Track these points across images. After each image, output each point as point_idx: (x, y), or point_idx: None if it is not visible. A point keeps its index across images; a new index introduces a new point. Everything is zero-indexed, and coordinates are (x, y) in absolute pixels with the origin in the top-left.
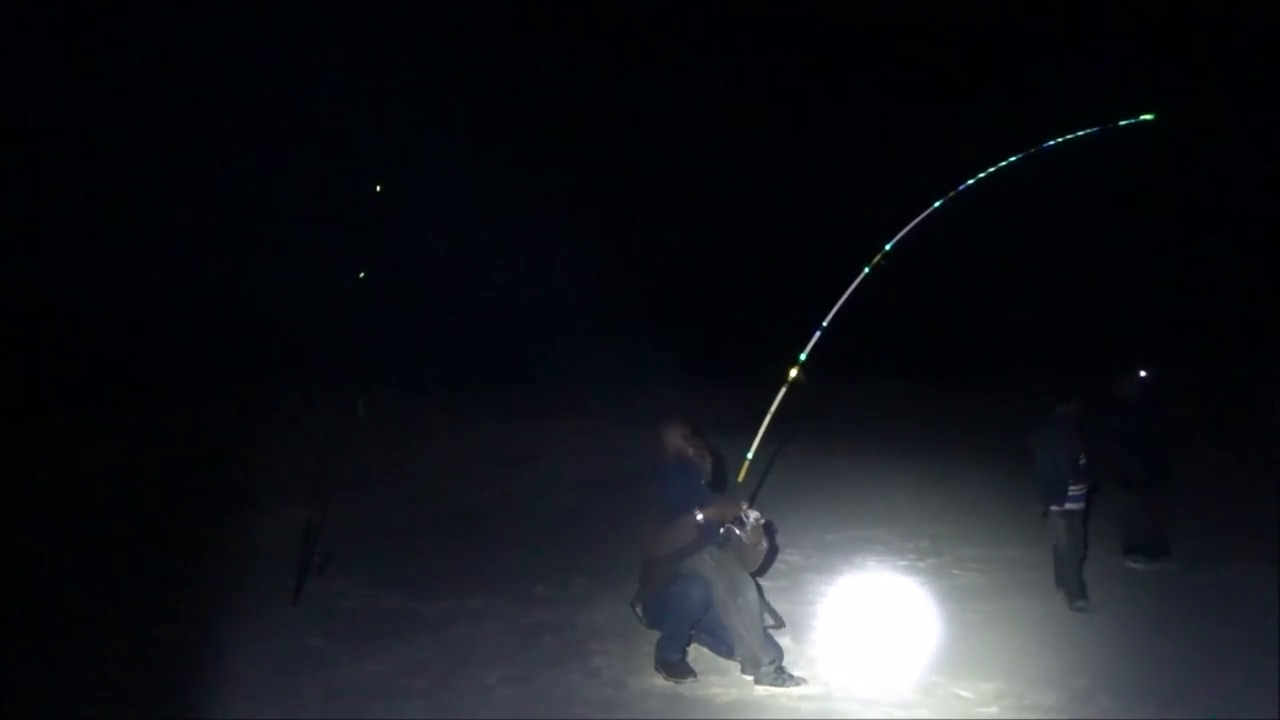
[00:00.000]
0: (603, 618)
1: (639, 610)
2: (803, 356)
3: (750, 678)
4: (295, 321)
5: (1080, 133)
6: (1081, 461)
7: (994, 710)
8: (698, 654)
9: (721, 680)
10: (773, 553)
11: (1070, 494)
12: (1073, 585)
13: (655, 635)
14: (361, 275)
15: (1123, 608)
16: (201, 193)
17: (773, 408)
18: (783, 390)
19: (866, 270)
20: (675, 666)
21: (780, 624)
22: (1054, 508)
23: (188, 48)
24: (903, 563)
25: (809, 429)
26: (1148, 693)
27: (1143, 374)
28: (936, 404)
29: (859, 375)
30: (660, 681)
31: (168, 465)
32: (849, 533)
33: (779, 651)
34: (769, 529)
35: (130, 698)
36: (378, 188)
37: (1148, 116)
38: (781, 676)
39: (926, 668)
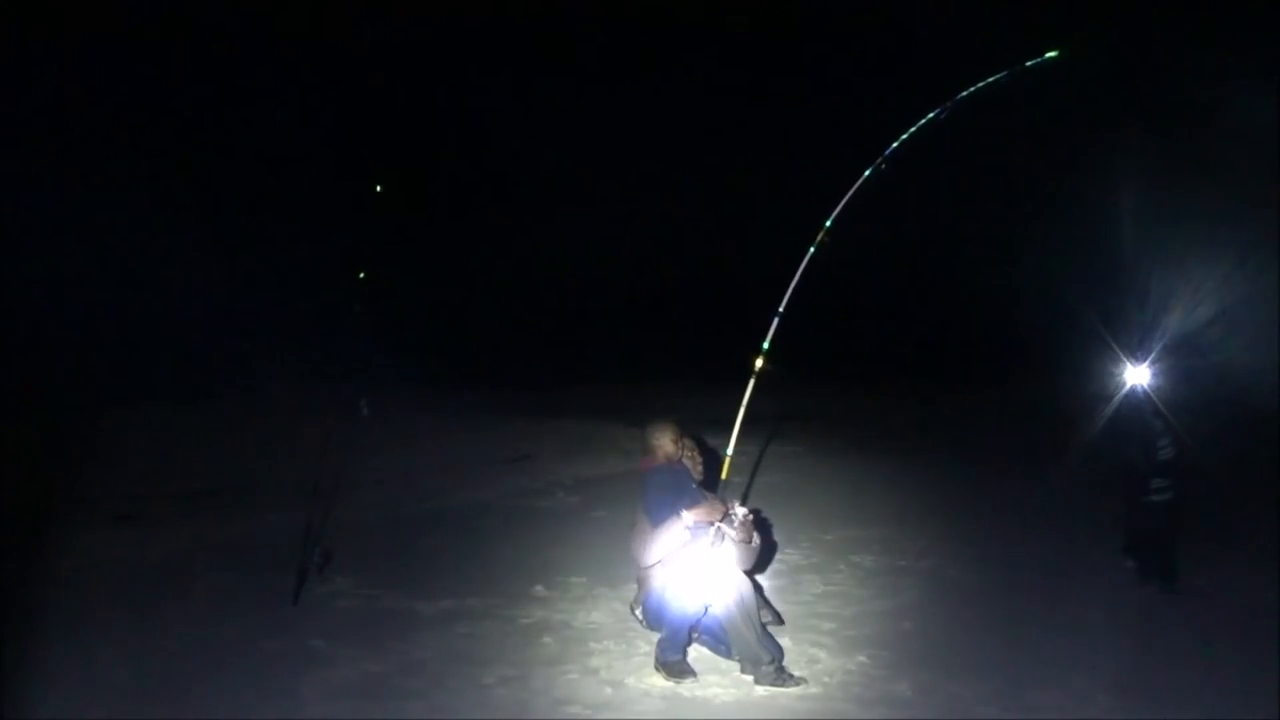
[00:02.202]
0: (601, 617)
1: (638, 613)
2: (766, 345)
3: (750, 677)
4: (295, 320)
5: (991, 79)
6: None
7: (993, 710)
8: (698, 654)
9: (721, 680)
10: (768, 548)
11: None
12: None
13: (655, 635)
14: (361, 275)
15: (1122, 607)
16: (199, 188)
17: (744, 400)
18: (752, 382)
19: (812, 250)
20: (675, 667)
21: (779, 621)
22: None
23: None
24: (902, 563)
25: (807, 429)
26: (1148, 692)
27: (1150, 371)
28: (936, 404)
29: (857, 375)
30: (660, 681)
31: (167, 464)
32: (848, 532)
33: (779, 651)
34: (759, 523)
35: (130, 697)
36: (378, 188)
37: (1053, 54)
38: (781, 676)
39: (925, 667)
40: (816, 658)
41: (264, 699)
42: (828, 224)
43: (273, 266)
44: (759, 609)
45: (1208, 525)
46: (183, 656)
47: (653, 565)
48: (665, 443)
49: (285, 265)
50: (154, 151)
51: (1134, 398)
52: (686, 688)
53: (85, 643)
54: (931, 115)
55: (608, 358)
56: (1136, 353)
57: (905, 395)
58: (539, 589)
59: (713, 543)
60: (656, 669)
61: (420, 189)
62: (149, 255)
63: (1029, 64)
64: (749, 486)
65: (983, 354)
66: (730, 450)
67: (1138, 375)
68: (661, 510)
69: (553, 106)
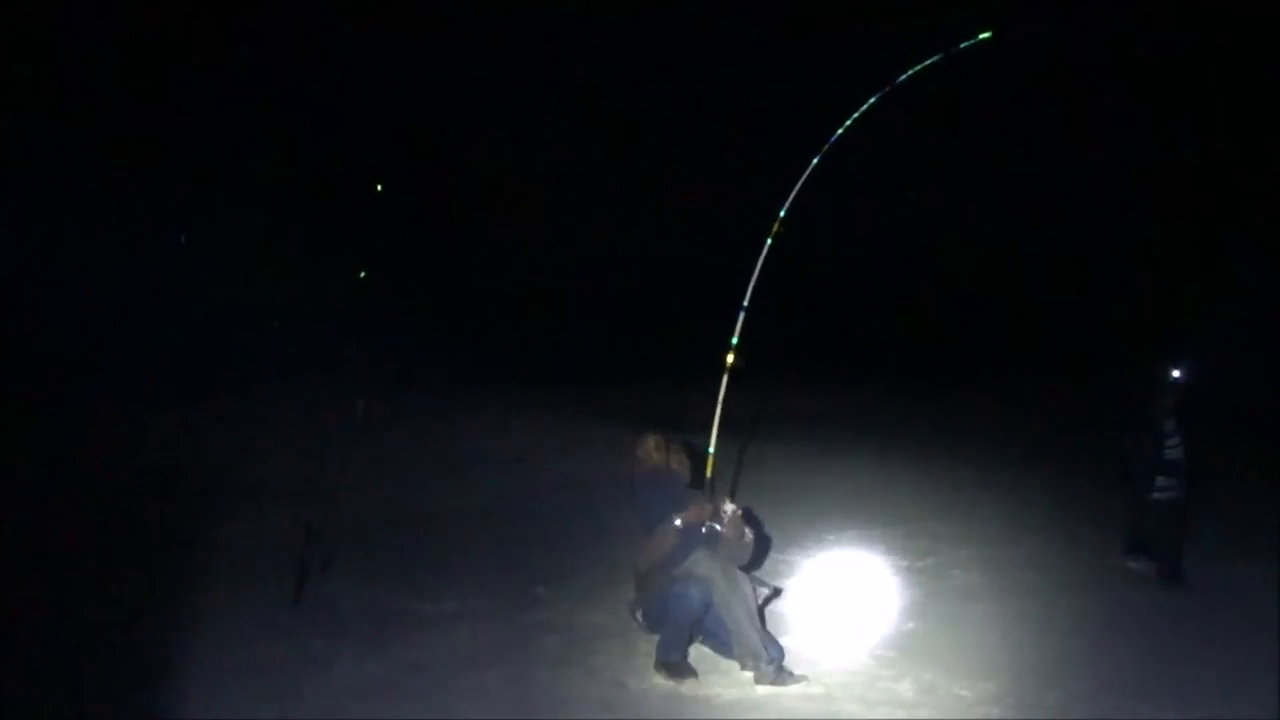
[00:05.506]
0: (603, 618)
1: (639, 616)
2: (734, 340)
3: (750, 674)
4: (294, 321)
5: (927, 62)
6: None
7: (994, 710)
8: (698, 654)
9: (721, 680)
10: (763, 543)
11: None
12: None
13: (656, 636)
14: (361, 275)
15: (1123, 607)
16: (198, 187)
17: (720, 397)
18: (725, 378)
19: (770, 242)
20: (676, 667)
21: (778, 593)
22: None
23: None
24: (903, 563)
25: (807, 428)
26: (1148, 693)
27: (1175, 375)
28: (934, 404)
29: (857, 374)
30: (660, 681)
31: (168, 464)
32: (849, 532)
33: (779, 650)
34: (750, 518)
35: (130, 698)
36: (378, 187)
37: (985, 35)
38: (782, 675)
39: (926, 667)
40: (817, 657)
41: (264, 699)
42: (781, 214)
43: (272, 266)
44: (756, 590)
45: (1209, 525)
46: (183, 656)
47: (649, 570)
48: (652, 451)
49: (284, 264)
50: (153, 151)
51: (1144, 395)
52: (688, 687)
53: (84, 643)
54: (872, 100)
55: (608, 357)
56: (1146, 350)
57: (906, 394)
58: (540, 589)
59: (709, 543)
60: (657, 669)
61: (419, 189)
62: (147, 255)
63: (963, 45)
64: (735, 484)
65: (983, 352)
66: (712, 449)
67: (1148, 372)
68: (652, 516)
69: (550, 106)
